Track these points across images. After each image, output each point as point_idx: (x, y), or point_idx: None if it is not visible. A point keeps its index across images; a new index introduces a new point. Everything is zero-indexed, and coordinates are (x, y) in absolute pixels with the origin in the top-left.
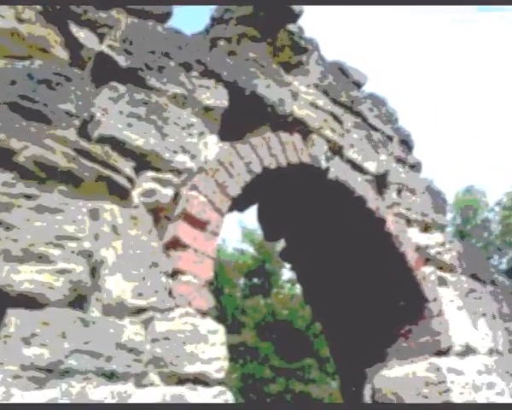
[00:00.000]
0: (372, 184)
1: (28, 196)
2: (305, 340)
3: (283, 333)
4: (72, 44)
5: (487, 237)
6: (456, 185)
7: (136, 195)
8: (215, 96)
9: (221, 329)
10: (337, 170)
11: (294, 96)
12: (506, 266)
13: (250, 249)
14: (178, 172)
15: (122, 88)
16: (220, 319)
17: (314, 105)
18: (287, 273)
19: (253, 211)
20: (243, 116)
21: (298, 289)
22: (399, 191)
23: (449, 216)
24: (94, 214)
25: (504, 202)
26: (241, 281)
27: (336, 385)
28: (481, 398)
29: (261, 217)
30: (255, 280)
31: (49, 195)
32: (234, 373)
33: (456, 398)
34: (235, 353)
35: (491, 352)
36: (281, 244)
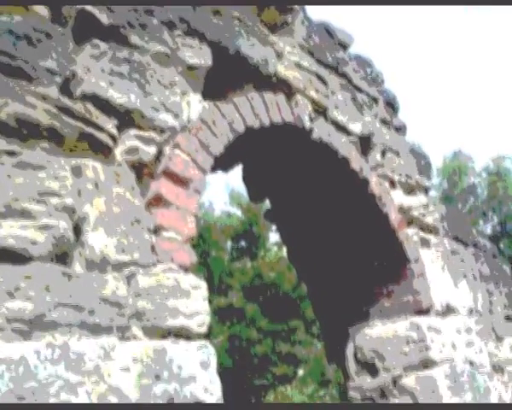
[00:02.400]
0: (356, 145)
1: (10, 153)
2: (291, 302)
3: (270, 295)
4: (54, 1)
5: (473, 203)
6: (444, 150)
7: (118, 152)
8: (199, 56)
9: (203, 284)
10: (321, 131)
11: (279, 56)
12: (490, 232)
13: (237, 212)
14: (161, 130)
15: (104, 46)
16: (207, 281)
17: (299, 65)
18: (274, 236)
19: (240, 174)
20: (227, 76)
21: (285, 252)
22: (384, 153)
23: (436, 181)
24: (76, 171)
25: (491, 167)
26: (229, 244)
27: (322, 346)
28: (460, 356)
29: (246, 177)
30: (242, 243)
31: (32, 152)
32: (221, 335)
33: (435, 356)
34: (223, 314)
35: (470, 312)
36: (268, 207)
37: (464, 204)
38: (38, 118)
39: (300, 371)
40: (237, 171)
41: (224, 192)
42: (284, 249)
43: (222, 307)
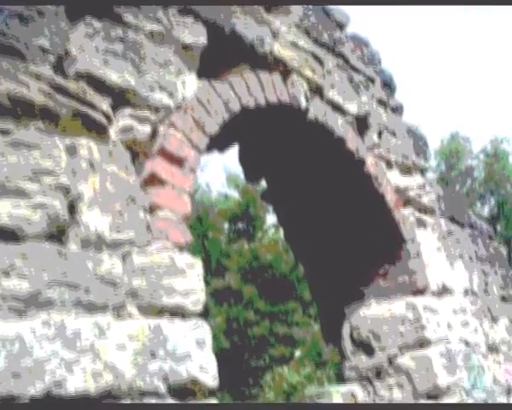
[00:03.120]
0: (352, 125)
1: (3, 132)
2: (288, 284)
3: (267, 277)
4: None
5: (470, 185)
6: (442, 132)
7: (113, 132)
8: (194, 34)
9: (198, 263)
10: (317, 110)
11: (275, 35)
12: (488, 214)
13: (235, 194)
14: (156, 109)
15: (98, 24)
16: (205, 263)
17: (295, 45)
18: (271, 218)
19: (236, 155)
20: (222, 55)
21: (282, 233)
22: (380, 133)
23: (433, 163)
24: (71, 150)
25: (489, 149)
26: (226, 226)
27: (319, 328)
28: (455, 336)
29: (242, 158)
30: (239, 225)
31: (25, 131)
32: (218, 316)
33: (431, 335)
34: (220, 296)
35: (466, 292)
36: (264, 188)
37: (462, 186)
38: (32, 97)
39: (297, 353)
40: (234, 153)
41: (221, 174)
42: (281, 231)
43: (219, 289)
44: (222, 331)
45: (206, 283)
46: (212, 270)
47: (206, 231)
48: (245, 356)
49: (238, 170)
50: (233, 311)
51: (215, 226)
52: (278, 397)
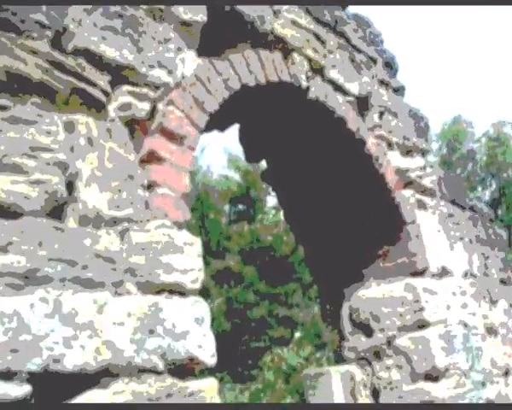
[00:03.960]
0: (353, 105)
1: (1, 107)
2: (288, 265)
3: (268, 259)
4: None
5: (472, 168)
6: (444, 115)
7: (111, 108)
8: (193, 11)
9: (197, 241)
10: (318, 90)
11: (276, 13)
12: (489, 198)
13: (235, 176)
14: (155, 86)
15: None
16: (205, 244)
17: (296, 23)
18: (272, 200)
19: (237, 137)
20: (222, 33)
21: (282, 215)
22: (381, 114)
23: (435, 146)
24: (69, 127)
25: (491, 133)
26: (226, 207)
27: (318, 309)
28: (454, 318)
29: (242, 138)
30: (240, 206)
31: (23, 106)
32: (218, 297)
33: (430, 317)
34: (220, 278)
35: (466, 275)
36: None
37: (463, 170)
38: (29, 72)
39: (297, 334)
40: (235, 134)
41: (221, 156)
42: (282, 213)
43: (219, 270)
44: (222, 313)
45: (207, 264)
46: (213, 251)
47: (206, 213)
48: (245, 337)
49: (239, 152)
50: (233, 292)
51: (215, 208)
52: (278, 378)
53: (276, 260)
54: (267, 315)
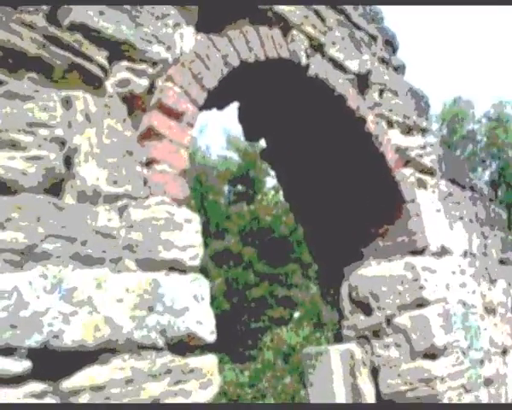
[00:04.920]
0: (353, 83)
1: None
2: (288, 246)
3: (267, 239)
4: None
5: (472, 149)
6: (445, 96)
7: (109, 85)
8: None
9: (196, 217)
10: (317, 67)
11: None
12: (489, 179)
13: (234, 157)
14: (153, 62)
15: None
16: (204, 225)
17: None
18: (271, 181)
19: (236, 116)
20: (221, 9)
21: (281, 196)
22: (381, 92)
23: (435, 127)
24: (66, 103)
25: (491, 113)
26: (226, 188)
27: (318, 290)
28: (453, 297)
29: (241, 116)
30: (239, 187)
31: (19, 82)
32: (218, 278)
33: (429, 295)
34: (220, 258)
35: (465, 254)
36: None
37: (463, 151)
38: (25, 47)
39: (296, 314)
40: (234, 115)
41: (221, 136)
42: (281, 193)
43: (219, 251)
44: (221, 293)
45: (206, 245)
46: (212, 232)
47: (205, 194)
48: (244, 318)
49: (238, 132)
50: (232, 273)
51: (214, 189)
52: (277, 358)
53: (275, 240)
54: (267, 295)
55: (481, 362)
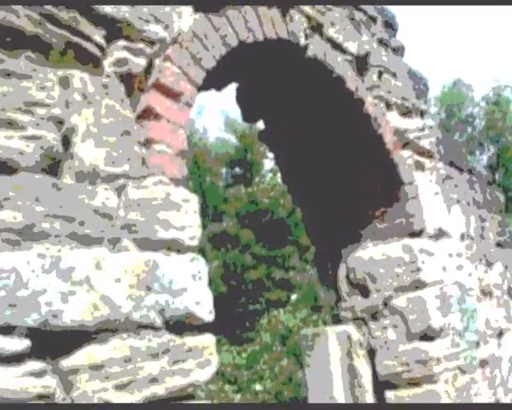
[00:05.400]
0: (352, 64)
1: None
2: (285, 228)
3: (264, 222)
4: None
5: (471, 133)
6: (444, 79)
7: (107, 64)
8: None
9: (194, 198)
10: (316, 48)
11: None
12: (487, 163)
13: (232, 139)
14: (151, 42)
15: None
16: (202, 207)
17: None
18: (269, 163)
19: (234, 98)
20: None
21: (279, 178)
22: (380, 74)
23: (433, 110)
24: (64, 82)
25: (490, 96)
26: (223, 170)
27: (315, 272)
28: (450, 279)
29: (240, 97)
30: (237, 170)
31: (16, 60)
32: (215, 261)
33: (426, 277)
34: (217, 241)
35: (462, 237)
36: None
37: (461, 134)
38: (22, 25)
39: (293, 297)
40: (231, 96)
41: (218, 119)
42: (279, 176)
43: (216, 234)
44: (219, 276)
45: (203, 227)
46: (210, 214)
47: (203, 176)
48: (242, 300)
49: (236, 114)
50: (230, 255)
51: (212, 171)
52: (274, 340)
53: (272, 223)
54: (264, 278)
55: (477, 344)
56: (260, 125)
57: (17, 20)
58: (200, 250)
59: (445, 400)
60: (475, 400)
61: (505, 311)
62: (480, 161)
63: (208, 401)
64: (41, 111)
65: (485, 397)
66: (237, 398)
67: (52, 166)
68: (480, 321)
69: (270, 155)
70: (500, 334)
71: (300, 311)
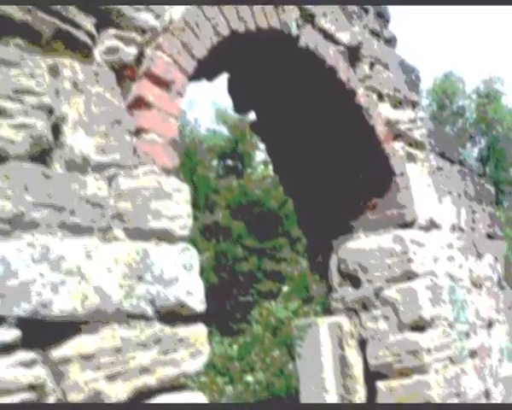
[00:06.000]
0: (344, 55)
1: None
2: (277, 220)
3: (256, 213)
4: None
5: (462, 125)
6: (435, 71)
7: (97, 53)
8: None
9: (185, 187)
10: (308, 38)
11: None
12: (477, 155)
13: (223, 130)
14: (142, 30)
15: None
16: (193, 199)
17: None
18: (260, 155)
19: (226, 89)
20: None
21: (271, 170)
22: (372, 65)
23: (425, 102)
24: (53, 70)
25: (482, 89)
26: (215, 162)
27: (306, 264)
28: (441, 270)
29: (231, 88)
30: (228, 161)
31: (4, 47)
32: (207, 252)
33: (417, 268)
34: (209, 232)
35: (453, 228)
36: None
37: (452, 127)
38: (9, 11)
39: (285, 288)
40: (223, 87)
41: (210, 110)
42: (270, 168)
43: (208, 225)
44: (210, 267)
45: (195, 218)
46: (201, 206)
47: (194, 168)
48: (233, 292)
49: (227, 106)
50: (221, 247)
51: (204, 163)
52: (266, 331)
53: (264, 214)
54: (255, 269)
55: (467, 335)
56: (252, 116)
57: (6, 6)
58: (192, 241)
59: (435, 390)
60: (465, 390)
61: (495, 302)
62: (471, 153)
63: (200, 393)
64: (30, 99)
65: (475, 387)
66: (229, 389)
67: (42, 155)
68: (471, 312)
69: (262, 146)
70: (490, 325)
71: (292, 302)
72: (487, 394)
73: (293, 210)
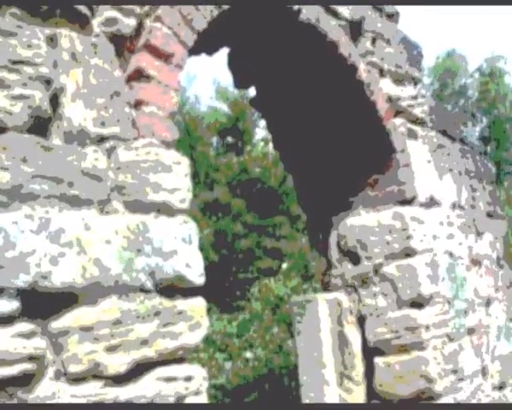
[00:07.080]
0: (346, 30)
1: None
2: (276, 197)
3: (256, 190)
4: None
5: (463, 104)
6: (438, 49)
7: (96, 23)
8: None
9: (185, 160)
10: (309, 12)
11: None
12: (479, 134)
13: (224, 107)
14: (141, 1)
15: None
16: (193, 176)
17: None
18: (260, 132)
19: (226, 65)
20: None
21: (271, 147)
22: (374, 40)
23: (426, 80)
24: (51, 41)
25: (484, 67)
26: (215, 139)
27: (306, 241)
28: (440, 247)
29: (231, 63)
30: (228, 138)
31: (1, 18)
32: (206, 229)
33: (417, 245)
34: (208, 209)
35: (453, 206)
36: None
37: (454, 106)
38: None
39: (284, 265)
40: (223, 63)
41: (210, 87)
42: (270, 145)
43: (208, 202)
44: (210, 244)
45: (194, 196)
46: (201, 183)
47: (194, 144)
48: (232, 269)
49: (227, 83)
50: (221, 224)
51: (204, 140)
52: (265, 309)
53: (263, 191)
54: (255, 246)
55: (465, 312)
56: (252, 92)
57: None
58: (191, 216)
59: (433, 366)
60: (463, 367)
61: (494, 280)
62: (473, 132)
63: (198, 365)
64: (28, 70)
65: (473, 364)
66: (228, 366)
67: (40, 126)
68: (469, 290)
69: (262, 123)
70: (488, 303)
71: (291, 280)
72: (484, 371)
73: (292, 187)
